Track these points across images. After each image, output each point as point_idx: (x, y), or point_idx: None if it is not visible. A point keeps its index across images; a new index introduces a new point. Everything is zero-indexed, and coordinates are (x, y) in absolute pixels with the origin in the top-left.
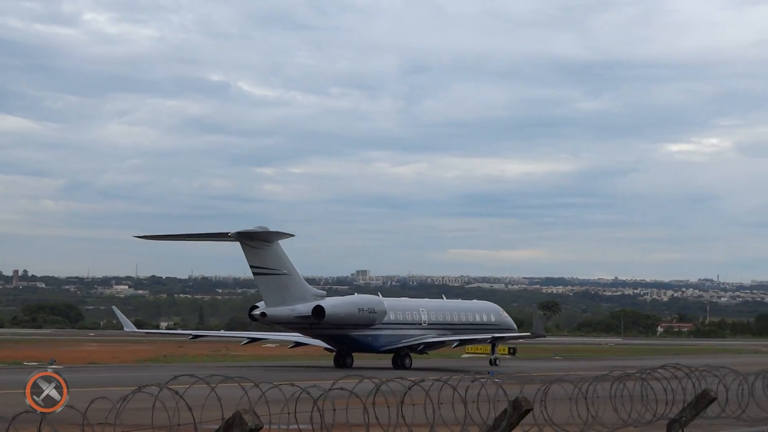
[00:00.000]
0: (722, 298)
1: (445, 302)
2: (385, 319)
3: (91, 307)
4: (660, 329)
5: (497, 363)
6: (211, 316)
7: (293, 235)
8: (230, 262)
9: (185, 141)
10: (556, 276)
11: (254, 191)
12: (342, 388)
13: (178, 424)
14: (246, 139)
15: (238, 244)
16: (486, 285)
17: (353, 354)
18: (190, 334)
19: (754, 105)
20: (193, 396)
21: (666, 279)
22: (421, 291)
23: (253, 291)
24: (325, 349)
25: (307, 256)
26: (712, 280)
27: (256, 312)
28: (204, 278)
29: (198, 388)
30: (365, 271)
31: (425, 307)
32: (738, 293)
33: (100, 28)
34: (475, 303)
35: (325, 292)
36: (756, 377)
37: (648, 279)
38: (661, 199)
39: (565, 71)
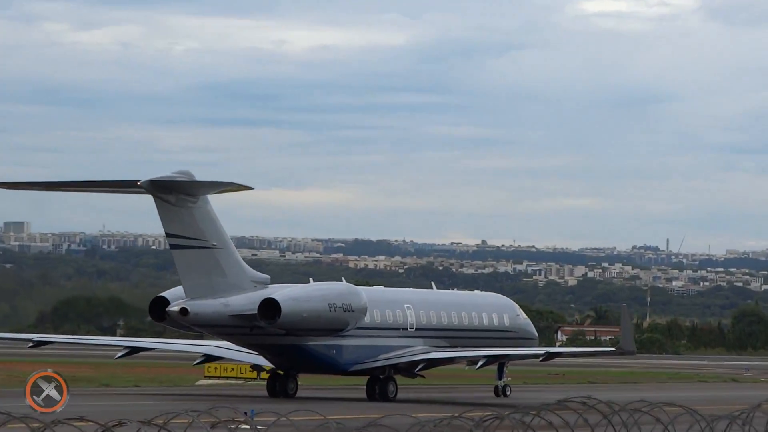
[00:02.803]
0: (675, 282)
1: (438, 295)
2: (361, 321)
3: None
4: (562, 336)
5: (507, 393)
6: None
7: (250, 188)
8: None
9: None
10: (374, 238)
11: None
12: None
13: None
14: None
15: (150, 198)
16: (245, 251)
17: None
18: (30, 340)
19: None
20: None
21: (573, 246)
22: (123, 257)
23: None
24: (253, 367)
25: None
26: (656, 249)
27: (173, 308)
28: None
29: None
30: (22, 223)
31: (412, 302)
32: (702, 272)
33: None
34: (481, 296)
35: (268, 277)
36: (729, 423)
37: (540, 245)
38: (566, 99)
39: None
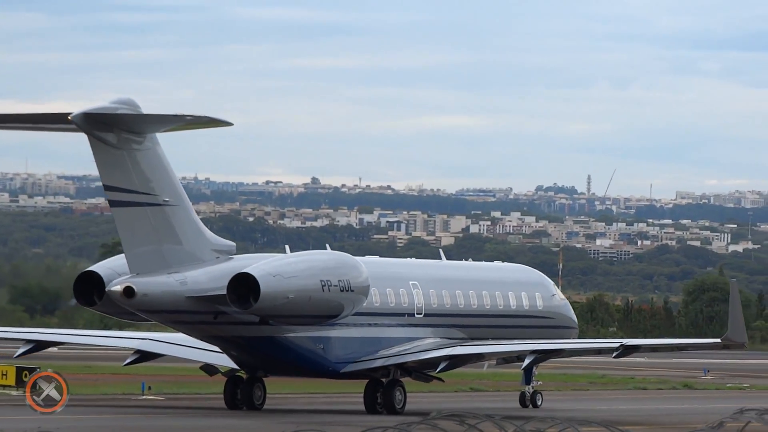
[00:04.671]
0: (600, 240)
1: (451, 268)
2: (361, 304)
3: None
4: None
5: (538, 402)
6: None
7: (228, 123)
8: None
9: None
10: None
11: None
12: None
13: None
14: None
15: (84, 137)
16: None
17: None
18: None
19: None
20: None
21: (449, 186)
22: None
23: None
24: (205, 369)
25: None
26: (572, 192)
27: (115, 288)
28: None
29: None
30: None
31: (419, 279)
32: (641, 226)
33: None
34: (504, 270)
35: (233, 244)
36: None
37: (400, 186)
38: None
39: None
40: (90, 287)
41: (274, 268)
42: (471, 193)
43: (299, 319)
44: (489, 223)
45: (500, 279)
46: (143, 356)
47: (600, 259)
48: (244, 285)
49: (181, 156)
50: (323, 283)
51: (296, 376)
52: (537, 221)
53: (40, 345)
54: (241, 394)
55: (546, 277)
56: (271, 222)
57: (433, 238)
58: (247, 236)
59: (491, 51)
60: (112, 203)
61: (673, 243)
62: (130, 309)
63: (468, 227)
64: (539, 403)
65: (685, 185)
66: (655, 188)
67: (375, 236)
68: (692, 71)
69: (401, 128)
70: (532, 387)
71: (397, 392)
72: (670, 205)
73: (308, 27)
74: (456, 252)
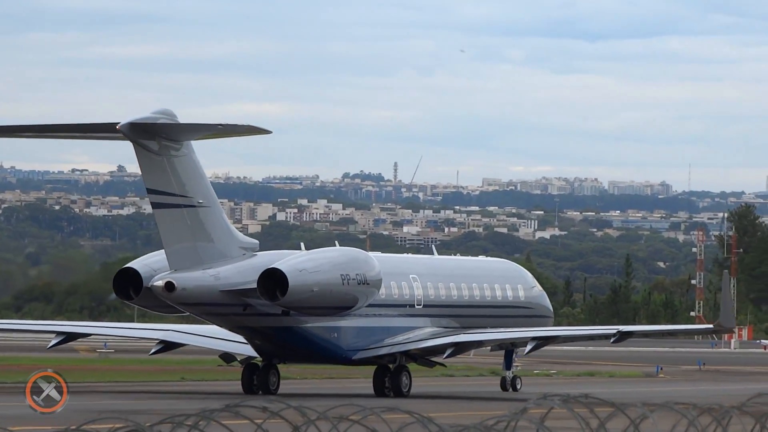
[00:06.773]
0: (407, 227)
1: (443, 262)
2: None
3: None
4: None
5: (517, 386)
6: None
7: (267, 131)
8: None
9: None
10: None
11: None
12: None
13: None
14: None
15: (130, 145)
16: None
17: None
18: None
19: None
20: None
21: (255, 174)
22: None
23: None
24: (223, 356)
25: None
26: (379, 179)
27: (157, 283)
28: None
29: None
30: None
31: (418, 273)
32: (448, 213)
33: None
34: (489, 263)
35: (257, 242)
36: None
37: (206, 173)
38: None
39: None
40: (127, 283)
41: (299, 263)
42: (277, 181)
43: (320, 310)
44: (296, 210)
45: (487, 272)
46: (167, 346)
47: (407, 246)
48: (272, 279)
49: None
50: (343, 277)
51: (312, 363)
52: (344, 209)
53: (70, 337)
54: (258, 380)
55: (526, 270)
56: (77, 210)
57: (239, 226)
58: (54, 225)
59: (295, 39)
60: (154, 205)
61: (480, 230)
62: (169, 302)
63: (275, 215)
64: (519, 387)
65: (491, 172)
66: (461, 175)
67: None
68: (497, 58)
69: (206, 116)
70: (512, 372)
71: (404, 377)
72: (477, 192)
73: (111, 15)
74: (263, 240)
